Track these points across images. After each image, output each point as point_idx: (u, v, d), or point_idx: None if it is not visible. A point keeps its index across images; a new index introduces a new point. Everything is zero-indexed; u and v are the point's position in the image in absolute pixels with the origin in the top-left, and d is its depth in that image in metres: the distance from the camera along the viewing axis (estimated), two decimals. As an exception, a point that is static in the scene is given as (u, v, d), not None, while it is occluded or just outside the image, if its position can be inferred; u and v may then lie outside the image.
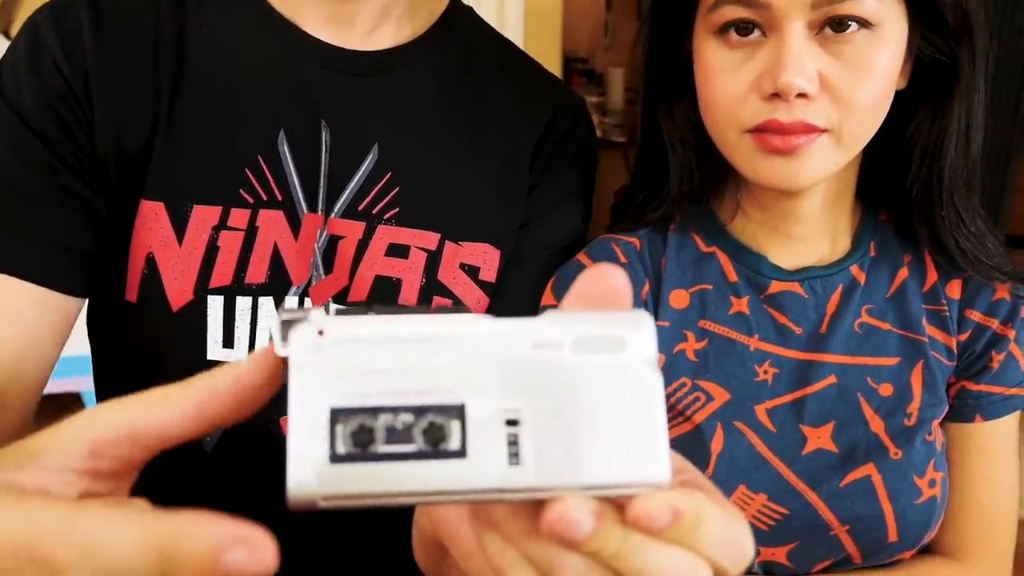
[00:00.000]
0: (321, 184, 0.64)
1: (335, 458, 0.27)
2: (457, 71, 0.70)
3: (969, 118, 0.63)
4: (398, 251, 0.66)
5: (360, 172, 0.65)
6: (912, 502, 0.64)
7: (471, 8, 0.75)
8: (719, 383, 0.66)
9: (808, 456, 0.65)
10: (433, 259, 0.67)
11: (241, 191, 0.63)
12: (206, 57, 0.63)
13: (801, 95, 0.57)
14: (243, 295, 0.64)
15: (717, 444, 0.65)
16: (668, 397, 0.66)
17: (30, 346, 0.58)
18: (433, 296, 0.68)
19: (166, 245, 0.62)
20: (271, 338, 0.29)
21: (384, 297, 0.66)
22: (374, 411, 0.28)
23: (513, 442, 0.28)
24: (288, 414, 0.28)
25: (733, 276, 0.69)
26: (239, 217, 0.63)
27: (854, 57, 0.58)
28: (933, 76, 0.64)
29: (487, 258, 0.69)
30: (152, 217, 0.62)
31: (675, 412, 0.66)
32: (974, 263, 0.66)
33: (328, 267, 0.65)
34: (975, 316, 0.68)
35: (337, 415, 0.28)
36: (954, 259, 0.66)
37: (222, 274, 0.63)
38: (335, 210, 0.65)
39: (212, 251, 0.62)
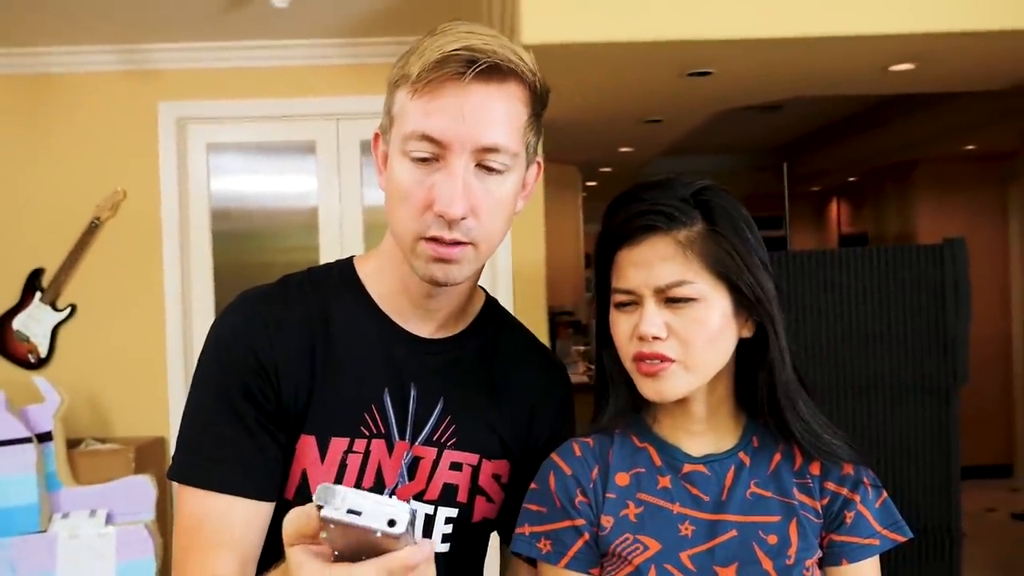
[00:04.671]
0: (409, 423, 1.01)
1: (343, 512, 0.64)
2: (490, 349, 1.09)
3: (782, 353, 0.97)
4: (456, 466, 1.02)
5: (433, 416, 1.02)
6: None
7: (496, 300, 1.15)
8: (653, 537, 0.94)
9: (719, 587, 0.92)
10: (475, 471, 1.03)
11: (362, 428, 0.99)
12: (342, 340, 1.00)
13: (656, 338, 0.93)
14: None
15: (652, 580, 0.92)
16: (617, 547, 0.94)
17: (255, 546, 0.95)
18: (477, 496, 1.03)
19: (314, 463, 0.97)
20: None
21: (448, 496, 1.01)
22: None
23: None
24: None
25: (659, 462, 0.99)
26: (360, 445, 0.98)
27: (688, 317, 0.93)
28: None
29: (506, 470, 1.05)
30: (308, 445, 0.97)
31: (620, 558, 0.94)
32: (817, 450, 0.97)
33: (412, 475, 1.00)
34: (831, 486, 0.98)
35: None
36: (804, 448, 0.98)
37: (348, 481, 0.97)
38: (418, 440, 1.01)
39: (343, 467, 0.98)
